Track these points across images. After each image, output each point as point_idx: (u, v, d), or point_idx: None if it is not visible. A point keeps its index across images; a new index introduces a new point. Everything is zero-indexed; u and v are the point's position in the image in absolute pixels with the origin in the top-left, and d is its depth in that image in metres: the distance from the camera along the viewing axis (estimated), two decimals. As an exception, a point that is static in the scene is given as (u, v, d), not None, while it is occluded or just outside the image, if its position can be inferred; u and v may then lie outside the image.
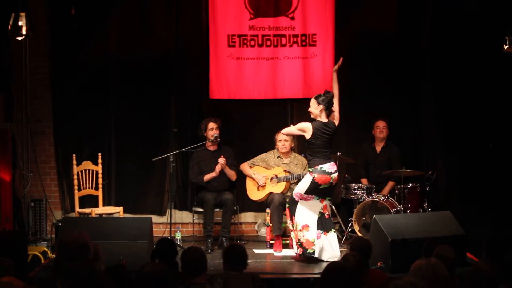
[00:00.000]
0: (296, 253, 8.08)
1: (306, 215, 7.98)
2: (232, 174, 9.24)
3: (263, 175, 9.10)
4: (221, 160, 9.04)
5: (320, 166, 7.87)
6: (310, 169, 7.94)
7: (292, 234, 8.10)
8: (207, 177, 9.14)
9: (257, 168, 9.24)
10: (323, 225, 8.06)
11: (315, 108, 7.99)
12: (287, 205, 8.15)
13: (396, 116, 9.94)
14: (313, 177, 7.87)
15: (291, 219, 8.03)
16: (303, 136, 8.05)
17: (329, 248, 8.03)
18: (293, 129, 8.23)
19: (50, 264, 7.84)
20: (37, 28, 9.45)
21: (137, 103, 9.98)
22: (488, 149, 9.63)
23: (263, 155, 9.30)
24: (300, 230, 7.95)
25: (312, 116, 8.03)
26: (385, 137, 9.68)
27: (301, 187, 7.98)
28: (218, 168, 9.06)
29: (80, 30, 9.77)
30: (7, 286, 3.35)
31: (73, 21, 9.63)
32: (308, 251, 7.93)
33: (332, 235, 8.12)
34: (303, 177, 8.29)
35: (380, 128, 9.65)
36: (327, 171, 7.89)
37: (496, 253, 5.15)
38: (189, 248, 5.07)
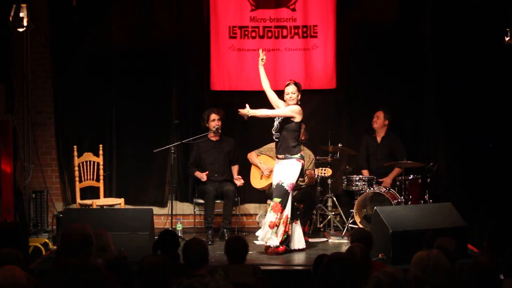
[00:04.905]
0: (278, 247, 7.89)
1: (290, 206, 7.97)
2: (236, 173, 9.42)
3: (268, 166, 9.09)
4: (240, 182, 9.25)
5: (301, 151, 8.04)
6: (296, 156, 7.94)
7: (279, 228, 7.86)
8: (197, 174, 9.21)
9: (263, 157, 9.24)
10: (294, 214, 8.12)
11: (297, 95, 8.00)
12: (278, 200, 7.88)
13: (396, 107, 9.93)
14: (302, 163, 7.96)
15: (281, 212, 7.85)
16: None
17: (300, 237, 8.12)
18: (286, 111, 7.95)
19: (51, 255, 7.84)
20: (38, 20, 9.45)
21: (138, 95, 9.98)
22: (489, 141, 9.61)
23: (271, 144, 9.28)
24: (289, 223, 7.93)
25: (292, 102, 7.98)
26: (379, 127, 9.66)
27: (293, 176, 7.91)
28: (204, 178, 9.11)
29: (81, 22, 9.76)
30: (9, 275, 3.34)
31: (74, 12, 9.62)
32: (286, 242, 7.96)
33: (298, 225, 8.23)
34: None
35: (374, 118, 9.65)
36: (303, 156, 8.11)
37: (497, 245, 5.15)
38: (191, 241, 5.05)
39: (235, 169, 9.44)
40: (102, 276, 3.65)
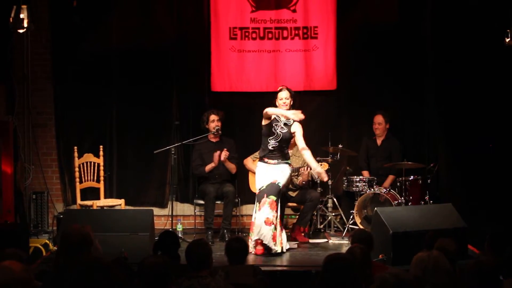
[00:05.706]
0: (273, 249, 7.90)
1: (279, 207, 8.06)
2: (232, 168, 9.25)
3: None
4: (225, 153, 9.04)
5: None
6: (289, 161, 8.13)
7: (277, 232, 7.88)
8: (208, 167, 9.16)
9: (260, 162, 9.25)
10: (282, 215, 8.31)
11: (290, 101, 8.04)
12: (274, 197, 7.83)
13: (397, 108, 9.94)
14: (291, 167, 8.16)
15: (276, 210, 7.87)
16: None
17: (284, 238, 8.14)
18: (300, 136, 8.01)
19: (52, 256, 7.83)
20: (39, 21, 9.45)
21: (139, 95, 9.98)
22: (489, 141, 9.61)
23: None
24: (280, 223, 8.00)
25: (285, 107, 7.97)
26: (381, 133, 9.66)
27: (286, 180, 8.04)
28: (216, 158, 9.05)
29: (81, 22, 9.77)
30: (8, 270, 3.35)
31: (75, 13, 9.62)
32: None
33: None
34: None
35: (376, 125, 9.64)
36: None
37: (498, 246, 5.15)
38: (194, 242, 5.03)
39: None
40: (111, 274, 3.66)
